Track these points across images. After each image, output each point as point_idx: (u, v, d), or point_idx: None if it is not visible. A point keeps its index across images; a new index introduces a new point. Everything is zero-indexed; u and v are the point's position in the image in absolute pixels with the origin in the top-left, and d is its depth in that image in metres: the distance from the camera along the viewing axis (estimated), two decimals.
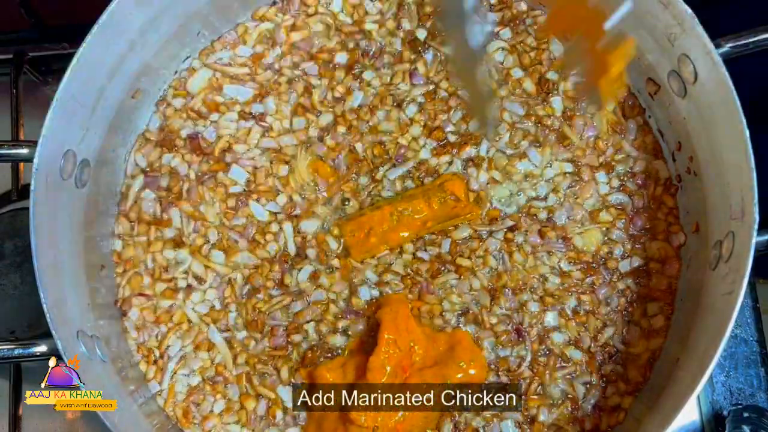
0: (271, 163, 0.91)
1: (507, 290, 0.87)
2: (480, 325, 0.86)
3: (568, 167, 0.90)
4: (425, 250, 0.89)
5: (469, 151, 0.90)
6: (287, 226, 0.90)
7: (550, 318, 0.86)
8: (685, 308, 0.85)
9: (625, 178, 0.90)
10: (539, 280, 0.87)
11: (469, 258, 0.88)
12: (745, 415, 0.88)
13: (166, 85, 0.94)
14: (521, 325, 0.86)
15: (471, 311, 0.87)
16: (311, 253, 0.89)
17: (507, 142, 0.91)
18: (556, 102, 0.91)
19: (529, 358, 0.85)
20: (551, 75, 0.92)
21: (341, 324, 0.87)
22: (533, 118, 0.91)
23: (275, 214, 0.90)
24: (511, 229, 0.88)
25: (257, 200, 0.91)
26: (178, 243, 0.90)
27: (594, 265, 0.88)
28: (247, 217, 0.90)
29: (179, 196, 0.91)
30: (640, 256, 0.88)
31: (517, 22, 0.94)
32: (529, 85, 0.92)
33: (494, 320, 0.86)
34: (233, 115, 0.93)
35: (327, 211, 0.90)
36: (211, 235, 0.90)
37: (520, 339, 0.86)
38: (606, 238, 0.88)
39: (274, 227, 0.90)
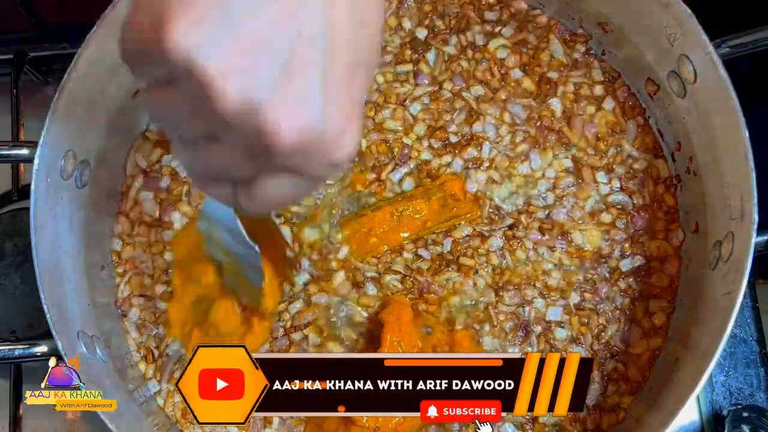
0: None
1: (511, 287, 0.87)
2: (486, 322, 0.86)
3: (568, 163, 0.90)
4: (427, 249, 0.89)
5: (471, 152, 0.90)
6: (284, 231, 0.89)
7: (554, 313, 0.86)
8: (684, 308, 0.85)
9: (626, 179, 0.90)
10: (543, 275, 0.87)
11: (471, 257, 0.88)
12: (745, 414, 0.88)
13: None
14: (527, 320, 0.86)
15: (476, 309, 0.87)
16: (308, 260, 0.89)
17: (508, 143, 0.91)
18: (555, 104, 0.91)
19: None
20: (552, 74, 0.92)
21: (342, 325, 0.87)
22: (533, 121, 0.91)
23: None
24: (511, 227, 0.88)
25: None
26: None
27: (595, 264, 0.88)
28: None
29: (179, 197, 0.91)
30: (641, 254, 0.88)
31: (518, 19, 0.94)
32: (529, 85, 0.92)
33: (501, 317, 0.86)
34: None
35: (328, 209, 0.90)
36: None
37: (526, 336, 0.86)
38: (606, 237, 0.88)
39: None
